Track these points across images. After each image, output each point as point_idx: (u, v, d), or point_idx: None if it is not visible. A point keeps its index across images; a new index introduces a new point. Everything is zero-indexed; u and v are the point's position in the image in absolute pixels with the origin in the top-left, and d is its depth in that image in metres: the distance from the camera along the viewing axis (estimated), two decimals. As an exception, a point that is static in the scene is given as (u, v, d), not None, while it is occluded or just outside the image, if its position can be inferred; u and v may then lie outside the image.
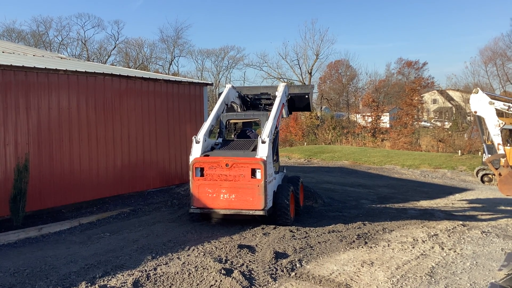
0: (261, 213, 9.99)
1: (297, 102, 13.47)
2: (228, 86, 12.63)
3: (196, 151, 10.53)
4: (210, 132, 11.30)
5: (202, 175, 10.25)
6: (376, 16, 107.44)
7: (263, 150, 10.14)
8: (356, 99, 59.81)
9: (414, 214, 13.02)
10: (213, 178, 10.14)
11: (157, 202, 13.40)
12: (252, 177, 9.97)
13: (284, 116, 12.67)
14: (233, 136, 12.64)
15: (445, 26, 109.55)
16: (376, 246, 9.05)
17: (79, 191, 12.58)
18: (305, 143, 44.58)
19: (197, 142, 10.63)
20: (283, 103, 12.25)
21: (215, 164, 10.14)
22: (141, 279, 6.88)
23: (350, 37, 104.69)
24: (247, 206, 10.01)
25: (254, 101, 13.33)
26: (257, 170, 9.94)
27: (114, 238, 9.74)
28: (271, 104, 12.43)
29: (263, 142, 10.22)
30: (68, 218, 11.57)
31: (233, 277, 6.90)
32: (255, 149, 10.45)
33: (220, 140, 11.64)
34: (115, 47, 69.44)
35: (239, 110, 13.09)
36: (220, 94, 12.73)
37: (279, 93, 12.24)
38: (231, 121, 12.40)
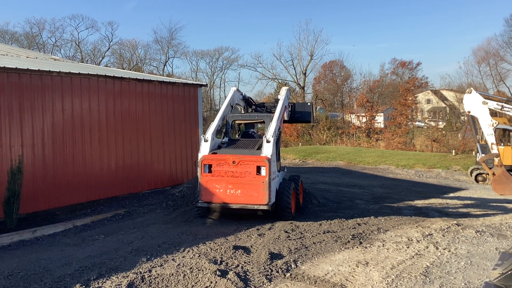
0: (265, 207, 10.53)
1: (298, 111, 13.94)
2: (233, 89, 13.19)
3: (204, 149, 11.11)
4: (217, 132, 11.82)
5: (210, 171, 10.80)
6: (370, 17, 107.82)
7: (267, 149, 10.70)
8: (350, 100, 59.88)
9: (408, 214, 13.06)
10: (221, 174, 10.70)
11: (152, 204, 13.37)
12: (257, 174, 10.54)
13: (286, 118, 13.23)
14: (237, 136, 13.19)
15: (439, 26, 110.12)
16: (371, 246, 9.06)
17: (73, 193, 12.54)
18: (300, 143, 44.60)
19: (206, 140, 11.20)
20: (285, 106, 12.89)
21: (223, 161, 10.71)
22: (136, 281, 6.85)
23: (344, 38, 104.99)
24: (252, 201, 10.55)
25: (258, 104, 14.02)
26: (262, 168, 10.50)
27: (108, 240, 9.70)
28: (273, 107, 13.15)
29: (268, 141, 10.77)
30: (62, 220, 11.51)
31: (228, 278, 6.89)
32: (259, 148, 11.04)
33: (226, 139, 12.19)
34: (109, 48, 69.10)
35: (243, 111, 13.69)
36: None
37: (281, 97, 12.89)
38: (237, 121, 13.02)
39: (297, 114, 13.99)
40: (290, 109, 13.55)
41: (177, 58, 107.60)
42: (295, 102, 14.16)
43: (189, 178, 15.51)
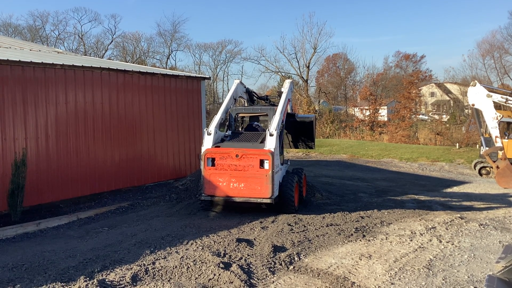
0: (268, 201, 10.55)
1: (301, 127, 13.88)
2: (237, 81, 13.19)
3: (207, 142, 11.09)
4: (220, 125, 11.80)
5: (213, 165, 10.80)
6: (374, 9, 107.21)
7: (271, 142, 10.69)
8: (354, 93, 59.77)
9: (412, 207, 13.05)
10: (224, 168, 10.70)
11: (155, 197, 13.40)
12: (260, 167, 10.54)
13: (289, 111, 13.16)
14: (241, 129, 13.13)
15: (443, 19, 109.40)
16: (374, 239, 9.07)
17: (77, 186, 12.57)
18: (303, 136, 44.42)
19: (209, 134, 11.17)
20: (289, 99, 12.85)
21: (226, 154, 10.71)
22: (140, 273, 6.89)
23: (348, 30, 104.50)
24: (255, 195, 10.57)
25: (260, 97, 14.12)
26: (265, 161, 10.50)
27: (112, 232, 9.75)
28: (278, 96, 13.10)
29: (271, 134, 10.77)
30: (66, 212, 11.55)
31: (232, 271, 6.92)
32: (263, 141, 11.02)
33: (229, 132, 12.16)
34: (112, 41, 68.98)
35: (246, 104, 13.69)
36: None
37: (285, 89, 12.88)
38: (240, 114, 12.99)
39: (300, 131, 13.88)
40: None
41: (180, 51, 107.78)
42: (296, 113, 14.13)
43: (192, 171, 15.53)
